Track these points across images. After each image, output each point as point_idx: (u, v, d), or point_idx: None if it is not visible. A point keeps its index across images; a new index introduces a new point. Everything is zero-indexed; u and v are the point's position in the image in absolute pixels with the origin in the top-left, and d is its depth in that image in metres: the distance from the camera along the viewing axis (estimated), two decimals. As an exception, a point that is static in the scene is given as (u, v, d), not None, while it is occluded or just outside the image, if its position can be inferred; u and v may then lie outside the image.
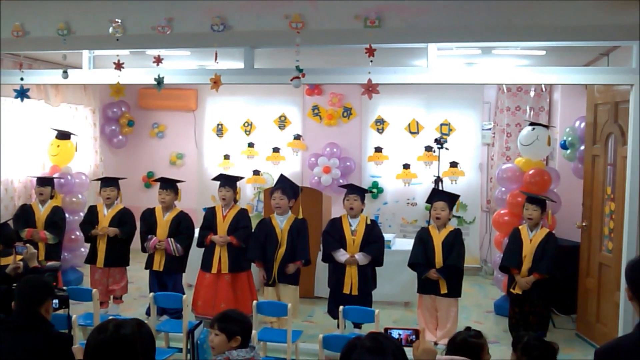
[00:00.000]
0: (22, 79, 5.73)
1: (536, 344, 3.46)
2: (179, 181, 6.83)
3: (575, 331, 6.63)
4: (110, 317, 2.76)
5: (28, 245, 4.74)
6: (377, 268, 6.30)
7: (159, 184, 6.81)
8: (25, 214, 7.04)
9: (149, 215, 6.72)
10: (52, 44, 5.06)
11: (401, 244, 7.60)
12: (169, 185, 6.71)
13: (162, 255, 6.54)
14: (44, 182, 7.25)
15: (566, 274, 6.54)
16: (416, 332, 2.85)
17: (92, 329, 2.70)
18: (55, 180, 7.55)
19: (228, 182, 6.66)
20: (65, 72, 5.52)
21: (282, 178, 6.61)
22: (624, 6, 4.15)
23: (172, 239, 6.51)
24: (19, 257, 4.63)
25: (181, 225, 6.62)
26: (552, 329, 6.53)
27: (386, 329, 2.87)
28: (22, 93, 5.75)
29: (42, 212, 7.07)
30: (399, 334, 2.86)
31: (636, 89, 5.33)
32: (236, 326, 3.48)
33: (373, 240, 6.19)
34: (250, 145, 9.94)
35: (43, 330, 3.42)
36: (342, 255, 6.16)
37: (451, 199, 6.26)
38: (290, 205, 6.39)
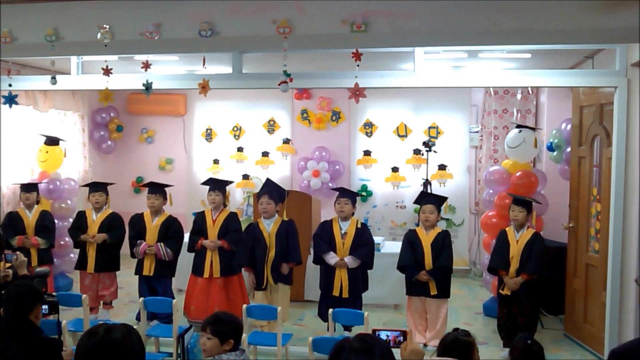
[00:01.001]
0: (10, 85, 5.72)
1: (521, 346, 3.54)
2: (167, 185, 6.84)
3: (563, 331, 6.68)
4: (101, 322, 2.77)
5: (18, 252, 4.71)
6: (368, 270, 6.33)
7: (147, 189, 6.82)
8: (13, 222, 7.01)
9: (137, 221, 6.72)
10: (41, 49, 5.06)
11: (390, 247, 7.63)
12: (158, 189, 6.72)
13: (152, 260, 6.54)
14: (29, 188, 7.22)
15: (554, 275, 6.59)
16: (404, 334, 2.89)
17: (82, 334, 2.71)
18: (43, 186, 7.53)
19: (217, 186, 6.67)
20: (53, 78, 5.51)
21: (268, 182, 6.62)
22: (608, 9, 4.21)
23: (161, 244, 6.51)
24: (7, 264, 4.61)
25: (170, 230, 6.62)
26: (541, 330, 6.57)
27: (374, 331, 2.90)
28: (10, 99, 5.74)
29: (30, 218, 7.05)
30: (387, 336, 2.89)
31: (620, 91, 5.41)
32: (229, 329, 3.48)
33: (363, 244, 6.21)
34: (240, 149, 9.96)
35: (32, 336, 3.41)
36: (332, 258, 6.19)
37: (439, 201, 6.30)
38: (277, 209, 6.42)
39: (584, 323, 6.28)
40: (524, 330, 5.91)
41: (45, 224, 7.09)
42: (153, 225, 6.62)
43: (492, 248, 6.42)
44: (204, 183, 6.83)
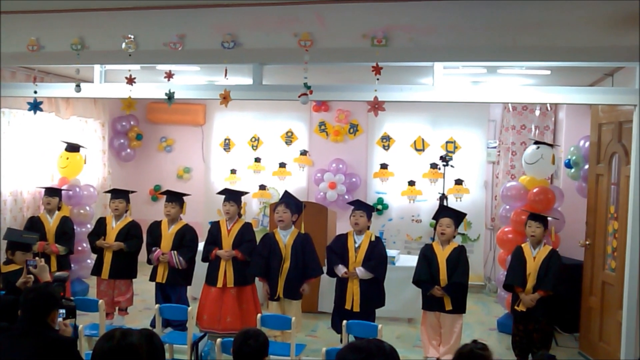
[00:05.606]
0: (35, 92, 5.82)
1: None
2: (184, 194, 6.88)
3: (578, 350, 6.63)
4: (117, 327, 2.81)
5: (38, 259, 4.78)
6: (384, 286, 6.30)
7: (165, 197, 6.88)
8: (34, 226, 7.09)
9: (155, 228, 6.78)
10: (66, 58, 5.16)
11: (405, 261, 7.63)
12: (175, 198, 6.77)
13: (165, 268, 6.59)
14: (52, 192, 7.35)
15: (569, 293, 6.55)
16: None
17: (97, 339, 2.74)
18: (63, 192, 7.63)
19: (232, 196, 6.71)
20: (78, 86, 5.61)
21: (286, 194, 6.65)
22: (628, 28, 4.22)
23: (175, 252, 6.55)
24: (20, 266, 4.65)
25: (185, 238, 6.65)
26: (555, 347, 6.54)
27: None
28: (35, 106, 5.84)
29: (51, 224, 7.15)
30: None
31: (639, 110, 5.39)
32: None
33: (374, 258, 6.17)
34: (257, 160, 10.02)
35: (45, 335, 3.42)
36: (338, 270, 6.19)
37: (457, 216, 6.27)
38: (293, 220, 6.43)
39: (600, 342, 6.22)
40: (538, 347, 5.89)
41: (65, 230, 7.18)
42: (168, 233, 6.68)
43: (508, 264, 6.40)
44: (220, 193, 6.88)
